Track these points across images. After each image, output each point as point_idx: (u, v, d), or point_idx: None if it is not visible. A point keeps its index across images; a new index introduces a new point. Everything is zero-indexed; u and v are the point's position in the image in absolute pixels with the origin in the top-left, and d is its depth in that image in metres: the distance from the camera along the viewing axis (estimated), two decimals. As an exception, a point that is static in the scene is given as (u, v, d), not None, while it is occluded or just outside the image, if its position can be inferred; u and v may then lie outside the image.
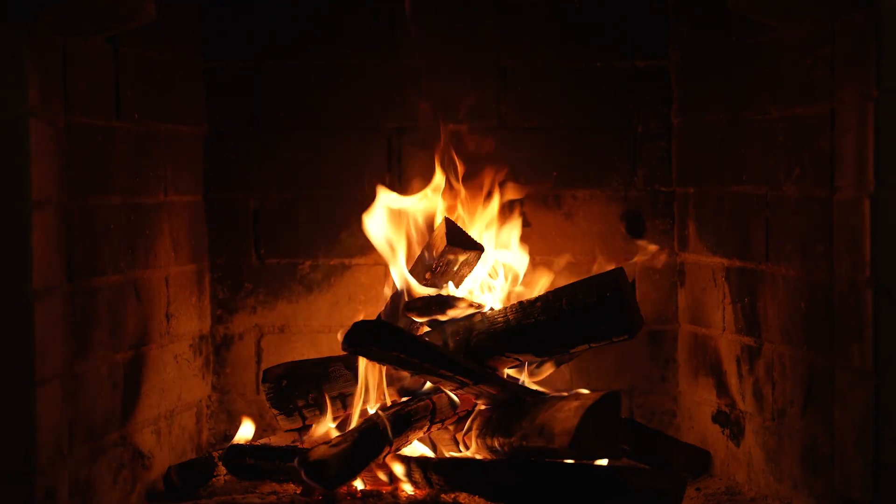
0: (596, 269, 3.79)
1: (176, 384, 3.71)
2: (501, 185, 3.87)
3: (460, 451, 3.52)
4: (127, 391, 3.36)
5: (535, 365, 3.59)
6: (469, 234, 3.67)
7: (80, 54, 3.10)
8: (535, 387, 3.56)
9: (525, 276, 3.77)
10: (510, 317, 3.48)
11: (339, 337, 3.29)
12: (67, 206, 3.03)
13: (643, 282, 4.00)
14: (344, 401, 3.62)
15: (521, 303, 3.49)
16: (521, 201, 3.92)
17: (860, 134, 2.85)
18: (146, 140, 3.52)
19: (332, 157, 3.98)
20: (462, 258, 3.62)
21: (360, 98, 3.97)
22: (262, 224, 4.01)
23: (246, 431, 3.72)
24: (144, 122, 3.50)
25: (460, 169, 3.80)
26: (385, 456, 3.34)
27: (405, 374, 3.50)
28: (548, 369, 3.62)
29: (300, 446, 3.54)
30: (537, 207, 3.95)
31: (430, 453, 3.54)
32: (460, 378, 3.38)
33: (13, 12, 2.81)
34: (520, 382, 3.56)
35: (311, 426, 3.62)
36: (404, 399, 3.52)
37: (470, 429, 3.48)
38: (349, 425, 3.51)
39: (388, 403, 3.51)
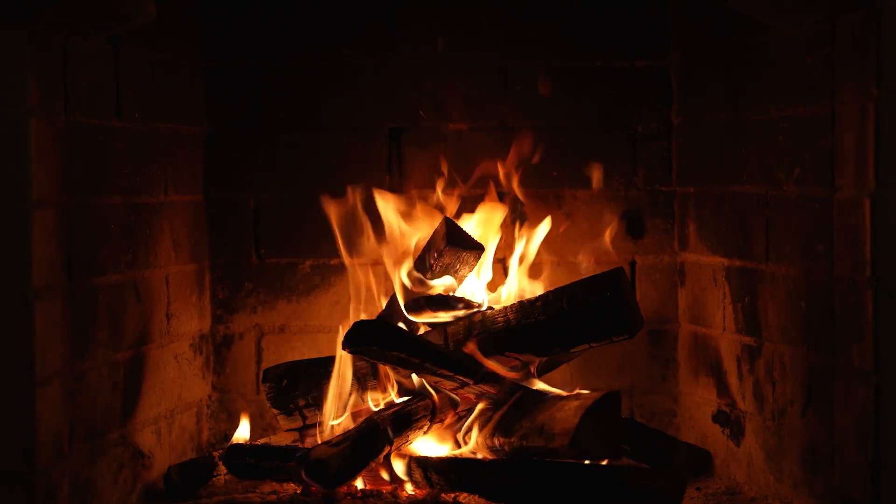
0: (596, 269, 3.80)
1: (176, 384, 3.71)
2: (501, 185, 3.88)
3: (460, 451, 3.52)
4: (127, 391, 3.36)
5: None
6: (469, 233, 3.68)
7: (80, 54, 3.10)
8: (535, 386, 3.56)
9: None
10: (510, 316, 3.48)
11: (340, 333, 3.30)
12: (67, 206, 3.03)
13: (643, 282, 4.00)
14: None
15: (521, 302, 3.49)
16: (521, 201, 3.92)
17: (860, 133, 2.85)
18: (146, 140, 3.52)
19: (332, 157, 3.98)
20: (462, 258, 3.62)
21: (360, 98, 3.97)
22: (262, 224, 4.01)
23: (243, 431, 3.72)
24: (144, 122, 3.50)
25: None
26: (385, 455, 3.34)
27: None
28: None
29: (300, 446, 3.54)
30: (537, 207, 3.95)
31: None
32: (460, 378, 3.38)
33: (13, 12, 2.81)
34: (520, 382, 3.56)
35: (311, 426, 3.62)
36: (404, 398, 3.52)
37: (470, 428, 3.48)
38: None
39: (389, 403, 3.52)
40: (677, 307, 4.00)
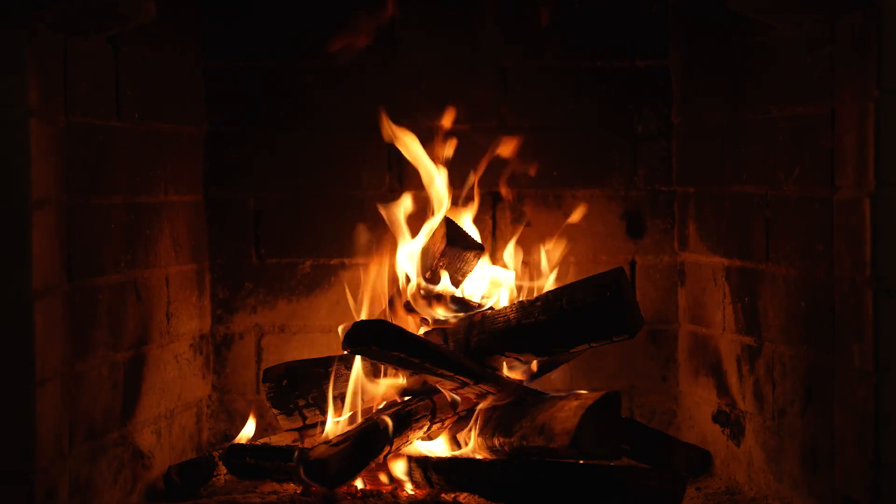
0: (596, 269, 3.80)
1: (176, 384, 3.71)
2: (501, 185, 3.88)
3: (460, 451, 3.52)
4: (127, 391, 3.36)
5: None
6: (469, 233, 3.68)
7: (80, 54, 3.10)
8: (535, 386, 3.57)
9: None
10: (510, 316, 3.48)
11: (340, 333, 3.29)
12: (67, 206, 3.03)
13: (643, 282, 4.00)
14: (344, 400, 3.62)
15: (521, 302, 3.50)
16: (521, 201, 3.92)
17: (860, 133, 2.85)
18: (146, 140, 3.52)
19: (331, 156, 3.98)
20: (462, 258, 3.62)
21: (360, 98, 3.96)
22: (262, 224, 4.01)
23: (248, 430, 3.72)
24: (144, 122, 3.50)
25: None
26: (385, 455, 3.34)
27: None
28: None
29: (300, 446, 3.54)
30: (538, 207, 3.95)
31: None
32: (460, 378, 3.38)
33: (13, 12, 2.81)
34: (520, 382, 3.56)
35: (311, 426, 3.62)
36: (404, 399, 3.52)
37: (470, 428, 3.48)
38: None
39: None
40: (677, 307, 4.00)
